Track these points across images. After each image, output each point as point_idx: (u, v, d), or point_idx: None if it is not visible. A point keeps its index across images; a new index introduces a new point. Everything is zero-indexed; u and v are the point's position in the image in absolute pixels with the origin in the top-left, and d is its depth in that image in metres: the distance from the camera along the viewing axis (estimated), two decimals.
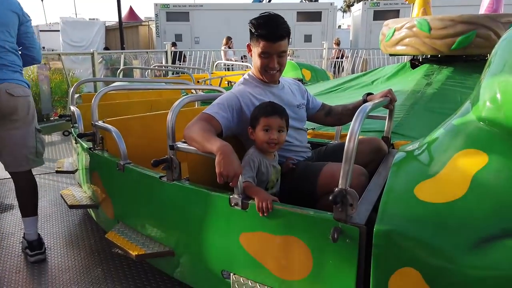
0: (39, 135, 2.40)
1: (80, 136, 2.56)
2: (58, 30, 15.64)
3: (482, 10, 4.23)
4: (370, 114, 1.88)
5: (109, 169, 2.20)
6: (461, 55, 3.94)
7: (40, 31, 17.94)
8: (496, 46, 1.55)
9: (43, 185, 3.67)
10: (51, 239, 2.61)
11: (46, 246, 2.47)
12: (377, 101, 1.73)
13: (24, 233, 2.41)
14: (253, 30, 1.76)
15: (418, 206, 1.24)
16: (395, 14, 13.13)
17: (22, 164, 2.32)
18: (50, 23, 20.46)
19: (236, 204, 1.49)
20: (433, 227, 1.18)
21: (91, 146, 2.41)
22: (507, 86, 1.32)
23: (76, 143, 2.76)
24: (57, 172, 3.25)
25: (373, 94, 1.97)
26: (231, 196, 1.50)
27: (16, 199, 2.41)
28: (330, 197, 1.22)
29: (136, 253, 1.84)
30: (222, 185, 1.47)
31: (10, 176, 2.38)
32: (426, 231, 1.17)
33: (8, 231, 2.75)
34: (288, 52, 1.88)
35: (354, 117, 1.30)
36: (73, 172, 3.16)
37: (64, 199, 2.67)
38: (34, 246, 2.35)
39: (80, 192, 2.79)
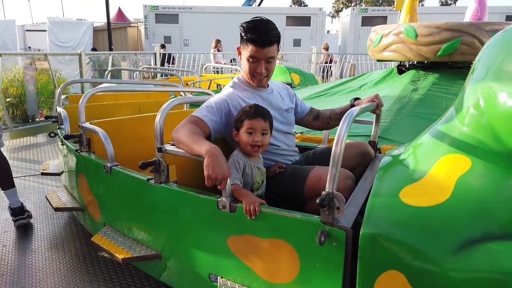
0: None
1: (67, 137, 2.53)
2: (45, 30, 15.43)
3: (467, 18, 4.33)
4: (357, 118, 1.91)
5: (96, 171, 2.18)
6: (447, 61, 4.02)
7: (26, 30, 17.69)
8: (480, 53, 1.58)
9: (27, 187, 3.61)
10: (35, 242, 2.57)
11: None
12: (364, 105, 1.75)
13: (8, 203, 2.78)
14: (243, 34, 1.77)
15: (403, 209, 1.26)
16: (383, 20, 13.32)
17: None
18: (36, 23, 20.17)
19: (224, 207, 1.49)
20: (417, 231, 1.20)
21: (78, 148, 2.39)
22: (489, 92, 1.36)
23: (62, 144, 2.73)
24: (42, 174, 3.20)
25: (360, 99, 1.99)
26: (219, 199, 1.50)
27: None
28: (317, 201, 1.23)
29: (123, 257, 1.82)
30: (210, 188, 1.47)
31: None
32: (411, 234, 1.20)
33: None
34: (277, 56, 1.89)
35: (341, 121, 1.32)
36: (58, 174, 3.12)
37: (49, 202, 2.63)
38: (17, 213, 2.76)
39: (65, 194, 2.75)
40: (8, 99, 5.94)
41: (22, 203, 2.81)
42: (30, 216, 2.83)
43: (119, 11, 19.28)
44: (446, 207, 1.23)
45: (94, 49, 13.64)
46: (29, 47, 17.02)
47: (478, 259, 1.12)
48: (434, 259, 1.14)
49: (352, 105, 1.96)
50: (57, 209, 2.52)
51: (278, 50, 1.84)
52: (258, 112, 1.66)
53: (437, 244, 1.16)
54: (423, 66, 4.32)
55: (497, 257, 1.11)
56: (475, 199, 1.24)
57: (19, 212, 2.77)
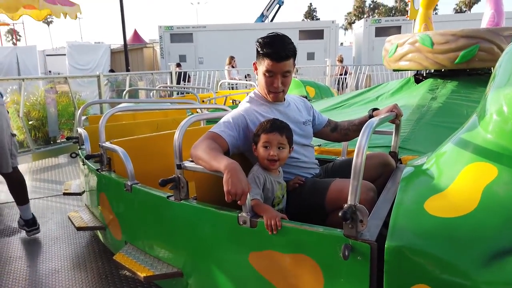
0: (13, 139, 2.88)
1: (88, 157, 2.58)
2: (65, 54, 15.94)
3: (484, 24, 4.27)
4: (376, 129, 1.89)
5: (116, 190, 2.20)
6: (465, 69, 3.96)
7: (47, 55, 18.31)
8: (500, 59, 1.56)
9: (50, 208, 3.67)
10: (58, 261, 2.60)
11: (53, 268, 2.51)
12: (383, 116, 1.73)
13: (20, 215, 3.00)
14: (259, 49, 1.78)
15: (429, 221, 1.23)
16: (397, 30, 13.28)
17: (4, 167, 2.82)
18: (56, 47, 20.88)
19: (245, 223, 1.48)
20: (445, 242, 1.16)
21: (99, 167, 2.42)
22: None
23: (83, 164, 2.78)
24: (64, 194, 3.26)
25: (378, 109, 1.97)
26: (239, 215, 1.49)
27: None
28: (340, 214, 1.21)
29: (145, 275, 1.82)
30: (230, 203, 1.47)
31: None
32: (438, 246, 1.16)
33: (16, 255, 2.74)
34: (293, 71, 1.89)
35: (361, 132, 1.30)
36: (80, 194, 3.17)
37: (71, 221, 2.67)
38: (30, 224, 2.98)
39: (87, 214, 2.79)
40: (30, 122, 6.12)
41: (33, 215, 3.02)
42: (39, 226, 3.05)
43: (135, 32, 19.82)
44: (474, 217, 1.19)
45: (111, 71, 14.00)
46: (50, 71, 17.59)
47: (510, 271, 1.07)
48: (463, 272, 1.10)
49: (370, 116, 1.94)
50: (79, 229, 2.56)
51: (294, 65, 1.85)
52: (274, 126, 1.66)
53: (466, 255, 1.12)
54: (441, 74, 4.26)
55: None
56: (504, 208, 1.20)
57: (32, 223, 2.98)
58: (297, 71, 11.51)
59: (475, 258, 1.11)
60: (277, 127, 1.66)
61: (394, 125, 1.98)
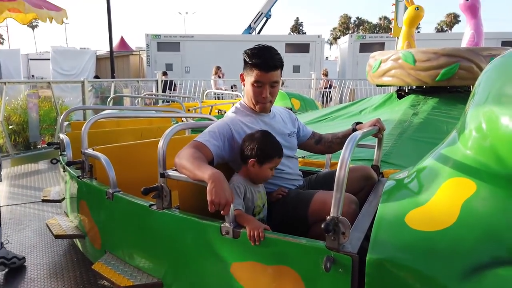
0: None
1: (69, 164, 2.53)
2: (49, 59, 15.70)
3: (464, 43, 4.41)
4: (359, 143, 1.92)
5: (97, 197, 2.17)
6: (445, 86, 4.07)
7: (30, 59, 18.01)
8: (479, 78, 1.61)
9: (27, 215, 3.58)
10: (35, 270, 2.52)
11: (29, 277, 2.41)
12: (366, 130, 1.76)
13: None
14: (247, 59, 1.80)
15: (409, 234, 1.25)
16: (381, 46, 13.57)
17: None
18: (40, 52, 20.57)
19: (227, 233, 1.47)
20: (425, 256, 1.18)
21: (80, 174, 2.38)
22: (491, 115, 1.37)
23: (64, 171, 2.73)
24: (43, 201, 3.18)
25: (362, 123, 2.01)
26: (222, 225, 1.49)
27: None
28: (322, 225, 1.22)
29: (124, 285, 1.78)
30: (213, 213, 1.46)
31: None
32: (418, 259, 1.18)
33: None
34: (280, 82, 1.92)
35: (345, 145, 1.32)
36: (59, 201, 3.10)
37: (49, 229, 2.60)
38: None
39: (66, 221, 2.72)
40: (10, 126, 5.98)
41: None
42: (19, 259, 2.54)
43: (122, 40, 19.70)
44: (453, 231, 1.22)
45: (96, 77, 13.84)
46: (33, 75, 17.28)
47: (488, 285, 1.09)
48: (442, 285, 1.12)
49: (354, 129, 1.97)
50: (57, 237, 2.49)
51: (281, 76, 1.87)
52: (280, 152, 1.72)
53: (445, 269, 1.14)
54: (422, 90, 4.37)
55: (507, 284, 1.08)
56: (482, 223, 1.23)
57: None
58: (283, 83, 11.61)
59: (454, 271, 1.13)
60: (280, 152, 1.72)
61: (376, 139, 2.02)
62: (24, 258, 2.58)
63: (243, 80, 1.89)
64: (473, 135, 1.42)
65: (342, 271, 1.25)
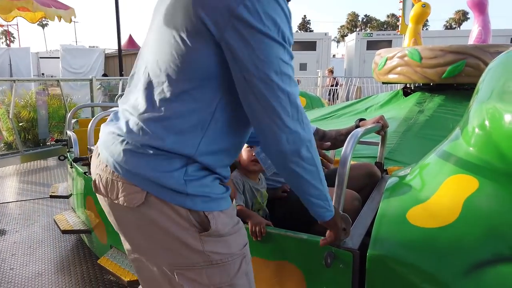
0: None
1: (76, 160, 2.57)
2: (58, 57, 15.83)
3: (471, 41, 4.37)
4: (363, 140, 1.92)
5: None
6: (452, 83, 4.03)
7: (40, 57, 18.17)
8: (483, 74, 1.60)
9: (36, 210, 3.63)
10: (42, 264, 2.57)
11: (36, 271, 2.43)
12: (368, 127, 1.76)
13: None
14: None
15: (410, 231, 1.25)
16: (388, 44, 13.46)
17: None
18: (50, 50, 20.76)
19: None
20: (426, 252, 1.18)
21: (87, 171, 2.41)
22: (494, 112, 1.36)
23: (71, 167, 2.77)
24: (51, 197, 3.23)
25: (365, 119, 2.01)
26: None
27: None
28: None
29: (129, 279, 1.81)
30: None
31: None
32: (419, 256, 1.18)
33: None
34: None
35: (346, 142, 1.33)
36: (67, 197, 3.14)
37: (57, 224, 2.65)
38: None
39: (73, 217, 2.76)
40: (20, 124, 6.06)
41: None
42: None
43: (130, 38, 19.78)
44: (455, 228, 1.22)
45: (105, 75, 13.94)
46: (43, 73, 17.45)
47: (489, 282, 1.09)
48: (443, 282, 1.12)
49: (357, 126, 1.97)
50: (64, 232, 2.53)
51: None
52: None
53: (446, 266, 1.14)
54: (429, 88, 4.33)
55: (508, 280, 1.08)
56: (484, 219, 1.23)
57: None
58: None
59: (455, 268, 1.13)
60: None
61: (380, 136, 2.02)
62: None
63: None
64: (476, 132, 1.42)
65: (343, 267, 1.26)
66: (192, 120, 0.93)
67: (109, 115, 1.12)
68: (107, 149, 0.97)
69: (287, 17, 0.91)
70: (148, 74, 0.96)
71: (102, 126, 1.07)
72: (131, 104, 0.98)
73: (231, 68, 0.90)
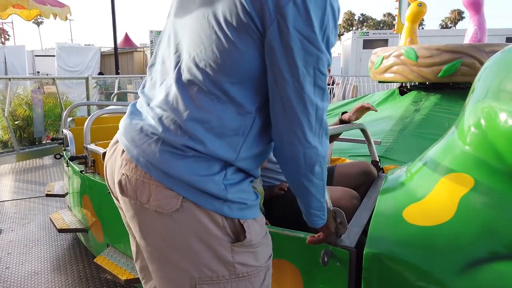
0: None
1: (72, 159, 2.56)
2: (54, 55, 15.75)
3: (467, 40, 4.39)
4: (361, 139, 1.93)
5: (100, 192, 2.19)
6: (448, 82, 4.05)
7: (36, 56, 18.07)
8: (479, 73, 1.61)
9: (32, 209, 3.62)
10: (38, 263, 2.56)
11: (33, 270, 2.42)
12: (340, 126, 1.81)
13: None
14: None
15: (407, 229, 1.26)
16: (384, 43, 13.48)
17: None
18: (45, 48, 20.64)
19: None
20: (422, 251, 1.19)
21: (83, 169, 2.41)
22: (490, 111, 1.37)
23: (67, 166, 2.76)
24: (47, 195, 3.22)
25: (347, 112, 2.03)
26: None
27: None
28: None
29: (125, 278, 1.81)
30: None
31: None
32: (415, 254, 1.18)
33: None
34: None
35: None
36: (63, 195, 3.13)
37: (53, 223, 2.64)
38: None
39: (70, 215, 2.76)
40: (16, 122, 6.03)
41: None
42: None
43: (126, 36, 19.71)
44: (450, 226, 1.23)
45: (100, 73, 13.88)
46: (38, 72, 17.36)
47: (484, 280, 1.10)
48: (439, 280, 1.13)
49: (341, 120, 1.99)
50: (60, 230, 2.53)
51: None
52: None
53: (442, 264, 1.15)
54: (425, 87, 4.35)
55: (504, 278, 1.09)
56: (479, 218, 1.23)
57: None
58: None
59: (451, 266, 1.14)
60: None
61: (378, 135, 2.02)
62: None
63: None
64: (472, 130, 1.42)
65: (339, 265, 1.26)
66: (233, 124, 0.86)
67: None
68: (137, 147, 0.88)
69: (335, 19, 0.83)
70: (183, 70, 0.87)
71: (123, 119, 0.99)
72: (163, 100, 0.89)
73: (267, 68, 0.83)
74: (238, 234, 0.88)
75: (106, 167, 1.01)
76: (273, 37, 0.78)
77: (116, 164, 0.95)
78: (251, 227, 0.90)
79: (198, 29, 0.84)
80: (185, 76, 0.86)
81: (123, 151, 0.92)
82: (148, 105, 0.94)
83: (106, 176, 1.05)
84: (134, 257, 1.11)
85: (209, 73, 0.83)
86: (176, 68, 0.88)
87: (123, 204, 0.97)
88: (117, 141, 0.98)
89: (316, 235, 1.23)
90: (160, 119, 0.87)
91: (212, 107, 0.84)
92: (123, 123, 1.00)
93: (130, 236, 1.12)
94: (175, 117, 0.86)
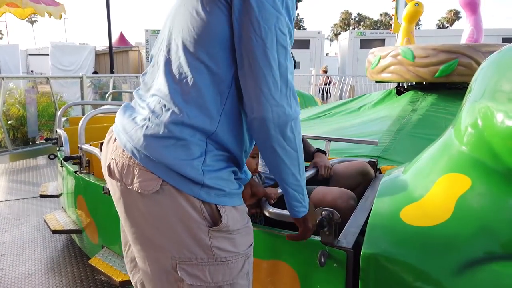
0: None
1: (66, 159, 2.54)
2: (48, 54, 15.65)
3: (463, 40, 4.40)
4: (358, 139, 1.93)
5: (94, 192, 2.17)
6: (445, 82, 4.06)
7: (29, 55, 17.96)
8: (476, 73, 1.60)
9: (26, 210, 3.58)
10: (32, 265, 2.53)
11: (26, 272, 2.40)
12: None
13: None
14: None
15: (404, 229, 1.25)
16: (381, 42, 13.53)
17: None
18: (39, 47, 20.51)
19: None
20: (419, 251, 1.18)
21: (77, 170, 2.38)
22: (487, 112, 1.36)
23: (61, 166, 2.73)
24: (41, 196, 3.19)
25: (322, 151, 2.00)
26: None
27: None
28: (317, 221, 1.22)
29: (120, 279, 1.79)
30: None
31: None
32: (412, 254, 1.18)
33: None
34: None
35: None
36: (57, 196, 3.10)
37: (47, 224, 2.61)
38: None
39: (64, 216, 2.73)
40: (9, 122, 5.98)
41: None
42: None
43: (121, 35, 19.62)
44: (448, 226, 1.22)
45: (95, 72, 13.81)
46: (32, 71, 17.24)
47: (482, 280, 1.10)
48: (436, 280, 1.13)
49: (313, 154, 1.97)
50: (55, 232, 2.50)
51: None
52: None
53: (439, 264, 1.15)
54: (422, 87, 4.36)
55: (501, 279, 1.09)
56: (477, 218, 1.23)
57: None
58: None
59: (448, 266, 1.13)
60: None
61: (375, 135, 2.02)
62: None
63: None
64: (469, 131, 1.42)
65: (336, 266, 1.25)
66: (210, 93, 0.93)
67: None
68: (126, 134, 0.97)
69: None
70: (168, 52, 0.97)
71: (119, 113, 1.07)
72: (155, 88, 0.98)
73: (234, 32, 0.91)
74: (216, 219, 0.94)
75: (102, 155, 1.11)
76: (237, 1, 0.89)
77: (108, 151, 1.05)
78: (228, 214, 0.95)
79: (178, 17, 0.97)
80: (168, 57, 0.97)
81: (115, 139, 1.01)
82: (141, 98, 1.03)
83: (102, 165, 1.13)
84: (123, 249, 1.13)
85: (187, 47, 0.93)
86: (165, 59, 0.98)
87: (110, 187, 1.05)
88: (112, 130, 1.07)
89: (315, 237, 1.22)
90: (148, 104, 0.97)
91: (190, 79, 0.93)
92: (117, 114, 1.09)
93: (121, 229, 1.16)
94: (160, 98, 0.95)
